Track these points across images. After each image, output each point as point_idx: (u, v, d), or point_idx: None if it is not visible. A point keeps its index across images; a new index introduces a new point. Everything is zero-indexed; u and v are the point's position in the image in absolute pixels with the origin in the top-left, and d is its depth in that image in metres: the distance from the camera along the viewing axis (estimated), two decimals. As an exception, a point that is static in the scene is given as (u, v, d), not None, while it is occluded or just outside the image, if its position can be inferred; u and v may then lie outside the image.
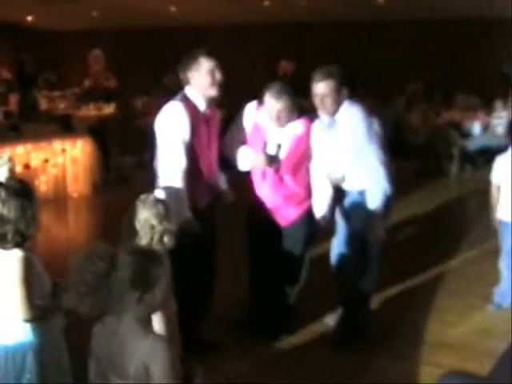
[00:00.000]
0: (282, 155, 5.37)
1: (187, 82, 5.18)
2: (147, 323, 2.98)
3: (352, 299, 5.71)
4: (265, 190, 5.51)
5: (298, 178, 5.46)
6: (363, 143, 5.37)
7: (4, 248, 3.47)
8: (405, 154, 13.76)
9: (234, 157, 5.56)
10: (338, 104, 5.41)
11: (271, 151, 5.38)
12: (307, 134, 5.40)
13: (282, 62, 14.55)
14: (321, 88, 5.37)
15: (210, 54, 5.15)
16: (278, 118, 5.28)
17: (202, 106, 5.16)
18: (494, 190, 6.26)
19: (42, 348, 3.61)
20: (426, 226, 9.63)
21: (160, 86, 16.27)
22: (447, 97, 16.51)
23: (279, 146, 5.35)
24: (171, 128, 5.01)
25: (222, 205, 5.56)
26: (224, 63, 5.19)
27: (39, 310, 3.55)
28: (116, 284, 2.89)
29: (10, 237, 3.44)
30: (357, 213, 5.52)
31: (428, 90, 16.52)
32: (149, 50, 19.95)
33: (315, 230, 5.66)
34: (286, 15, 17.39)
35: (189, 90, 5.19)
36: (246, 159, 5.49)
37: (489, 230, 6.59)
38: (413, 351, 5.52)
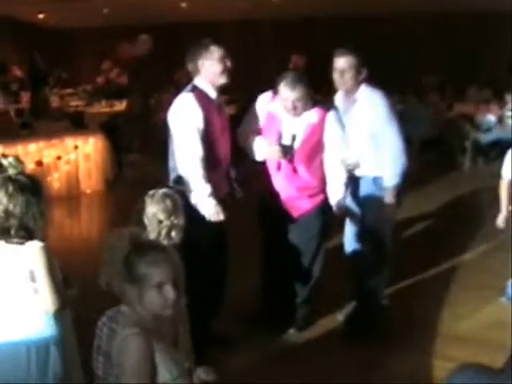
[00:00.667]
0: (297, 145, 5.35)
1: (197, 72, 5.20)
2: (147, 318, 2.97)
3: (367, 293, 5.71)
4: (278, 181, 5.49)
5: (313, 169, 5.43)
6: (386, 123, 5.39)
7: (8, 241, 3.48)
8: (418, 147, 13.75)
9: (248, 147, 5.55)
10: (356, 82, 5.45)
11: (286, 142, 5.36)
12: (322, 122, 5.36)
13: (293, 56, 14.57)
14: (341, 63, 5.42)
15: (219, 42, 5.18)
16: (294, 108, 5.26)
17: (212, 94, 5.20)
18: (503, 184, 6.20)
19: (62, 340, 3.64)
20: (439, 218, 9.60)
21: (172, 82, 16.30)
22: (459, 90, 16.49)
23: (294, 137, 5.33)
24: (185, 118, 5.03)
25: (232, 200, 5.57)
26: (234, 59, 5.21)
27: (65, 299, 3.57)
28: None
29: (13, 231, 3.46)
30: (371, 205, 5.52)
31: (440, 84, 16.48)
32: (160, 46, 19.96)
33: (329, 224, 5.65)
34: (295, 10, 17.39)
35: (198, 80, 5.21)
36: (261, 150, 5.49)
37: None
38: (425, 344, 5.52)
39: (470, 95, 15.89)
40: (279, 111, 5.42)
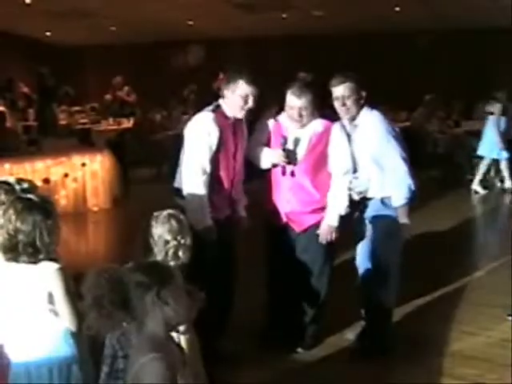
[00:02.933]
0: (301, 152, 5.36)
1: (223, 95, 5.27)
2: (160, 341, 2.95)
3: (377, 310, 5.68)
4: (283, 195, 5.49)
5: (318, 182, 5.41)
6: (385, 144, 5.34)
7: (19, 261, 3.49)
8: (424, 164, 13.74)
9: (255, 157, 5.56)
10: (358, 107, 5.41)
11: (290, 146, 5.37)
12: (327, 132, 5.36)
13: (299, 74, 14.59)
14: (340, 90, 5.38)
15: (252, 78, 5.19)
16: (300, 116, 5.28)
17: (231, 117, 5.25)
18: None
19: (81, 360, 3.65)
20: (447, 236, 9.58)
21: (179, 99, 16.36)
22: (467, 106, 16.50)
23: (297, 141, 5.35)
24: (200, 136, 5.10)
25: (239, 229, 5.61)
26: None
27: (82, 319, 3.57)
28: (134, 301, 2.88)
29: (20, 248, 3.47)
30: (379, 224, 5.51)
31: (446, 100, 16.49)
32: (167, 63, 20.03)
33: (334, 242, 5.59)
34: (303, 26, 17.43)
35: (222, 102, 5.28)
36: (266, 157, 5.49)
37: (509, 240, 6.55)
38: (434, 363, 5.48)
39: (477, 112, 15.86)
40: (286, 121, 5.45)
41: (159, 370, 2.75)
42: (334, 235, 5.45)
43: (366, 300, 5.80)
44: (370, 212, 5.55)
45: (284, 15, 16.50)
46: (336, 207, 5.40)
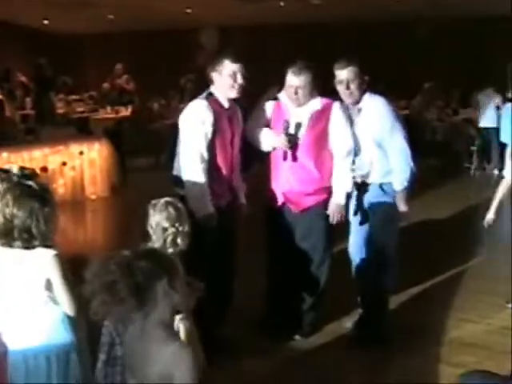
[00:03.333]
0: (302, 133, 5.35)
1: (211, 82, 5.25)
2: (171, 328, 2.95)
3: (374, 300, 5.68)
4: (282, 173, 5.48)
5: (319, 162, 5.40)
6: (389, 128, 5.35)
7: (13, 246, 3.47)
8: (423, 152, 13.72)
9: (256, 139, 5.54)
10: (361, 91, 5.41)
11: (291, 131, 5.36)
12: (326, 111, 5.36)
13: (297, 62, 14.60)
14: (345, 74, 5.37)
15: (236, 56, 5.18)
16: (297, 95, 5.29)
17: (225, 103, 5.23)
18: (503, 183, 6.12)
19: (80, 347, 3.64)
20: (446, 224, 9.58)
21: (177, 88, 16.31)
22: (464, 94, 16.48)
23: (299, 126, 5.35)
24: (195, 123, 5.08)
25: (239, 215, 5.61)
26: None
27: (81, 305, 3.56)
28: (141, 289, 2.85)
29: (16, 233, 3.45)
30: (377, 210, 5.50)
31: (445, 89, 16.48)
32: (165, 52, 19.99)
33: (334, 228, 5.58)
34: (301, 15, 17.38)
35: (213, 89, 5.26)
36: (268, 140, 5.48)
37: (509, 227, 6.53)
38: (433, 351, 5.49)
39: (474, 100, 15.83)
40: (286, 101, 5.45)
41: (191, 355, 2.78)
42: (343, 214, 5.47)
43: (361, 288, 5.81)
44: (368, 198, 5.54)
45: (282, 3, 16.44)
46: (341, 185, 5.42)
